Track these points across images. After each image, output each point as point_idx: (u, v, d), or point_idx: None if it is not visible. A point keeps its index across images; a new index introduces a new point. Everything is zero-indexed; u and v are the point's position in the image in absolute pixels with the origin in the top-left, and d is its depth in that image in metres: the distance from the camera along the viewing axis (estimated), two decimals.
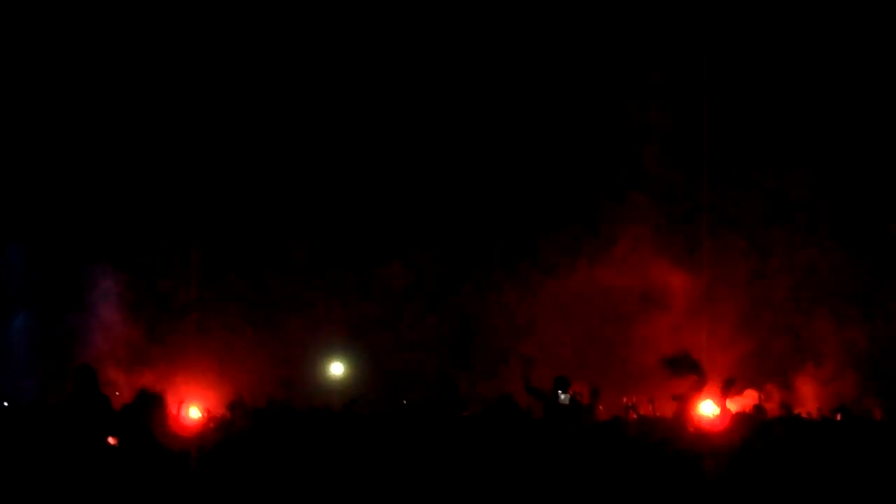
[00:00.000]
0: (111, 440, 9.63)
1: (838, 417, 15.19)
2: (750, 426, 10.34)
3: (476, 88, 25.31)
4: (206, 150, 24.94)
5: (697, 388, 11.21)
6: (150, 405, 10.51)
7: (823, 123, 23.51)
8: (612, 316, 24.09)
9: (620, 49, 24.27)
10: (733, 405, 12.90)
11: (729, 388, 11.50)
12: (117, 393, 19.43)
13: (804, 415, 16.88)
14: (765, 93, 24.04)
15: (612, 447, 9.38)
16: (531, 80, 25.10)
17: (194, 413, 19.52)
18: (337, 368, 26.03)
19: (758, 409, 16.47)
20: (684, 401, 10.73)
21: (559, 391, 11.71)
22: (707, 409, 13.74)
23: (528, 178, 25.27)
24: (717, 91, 23.96)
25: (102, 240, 24.63)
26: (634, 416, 16.33)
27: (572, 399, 12.47)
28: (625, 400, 20.08)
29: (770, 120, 23.97)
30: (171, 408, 18.33)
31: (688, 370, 11.42)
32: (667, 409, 14.69)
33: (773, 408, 18.24)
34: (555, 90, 24.92)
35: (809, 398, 21.51)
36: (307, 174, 25.58)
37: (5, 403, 19.40)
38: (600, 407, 15.77)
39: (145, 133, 25.01)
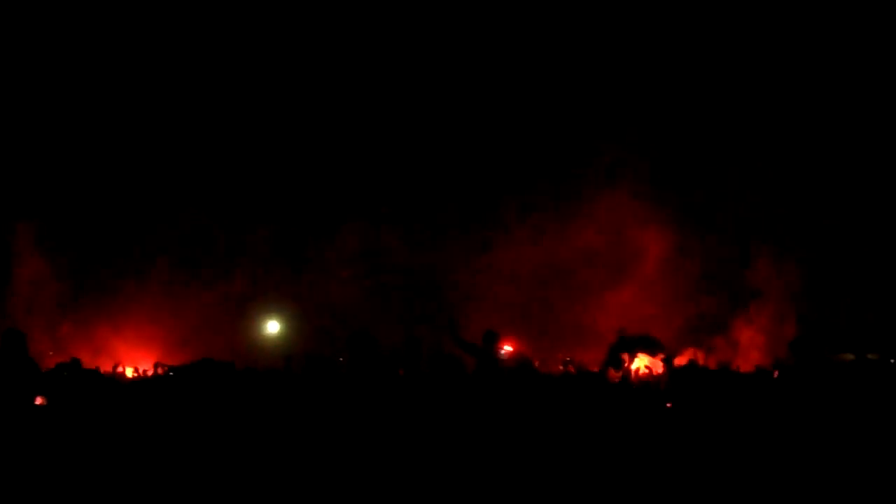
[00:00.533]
0: (39, 400, 9.67)
1: (776, 374, 15.51)
2: (680, 380, 10.59)
3: (434, 52, 25.13)
4: (137, 113, 24.67)
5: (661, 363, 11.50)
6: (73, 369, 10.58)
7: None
8: (562, 280, 24.34)
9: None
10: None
11: (670, 363, 11.69)
12: (51, 353, 19.53)
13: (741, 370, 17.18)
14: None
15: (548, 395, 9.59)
16: (493, 45, 25.02)
17: (129, 372, 19.79)
18: (273, 326, 25.97)
19: (691, 364, 16.86)
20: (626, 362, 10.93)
21: (493, 345, 11.77)
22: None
23: (480, 143, 25.29)
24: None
25: (33, 204, 24.19)
26: (571, 370, 16.67)
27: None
28: (560, 356, 20.49)
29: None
30: (107, 367, 18.59)
31: (650, 349, 11.64)
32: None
33: (712, 364, 18.60)
34: (516, 58, 24.90)
35: (753, 353, 21.92)
36: (243, 135, 25.35)
37: None
38: (535, 361, 16.04)
39: (72, 91, 24.58)
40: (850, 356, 16.26)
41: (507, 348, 14.77)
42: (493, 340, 11.14)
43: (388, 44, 25.06)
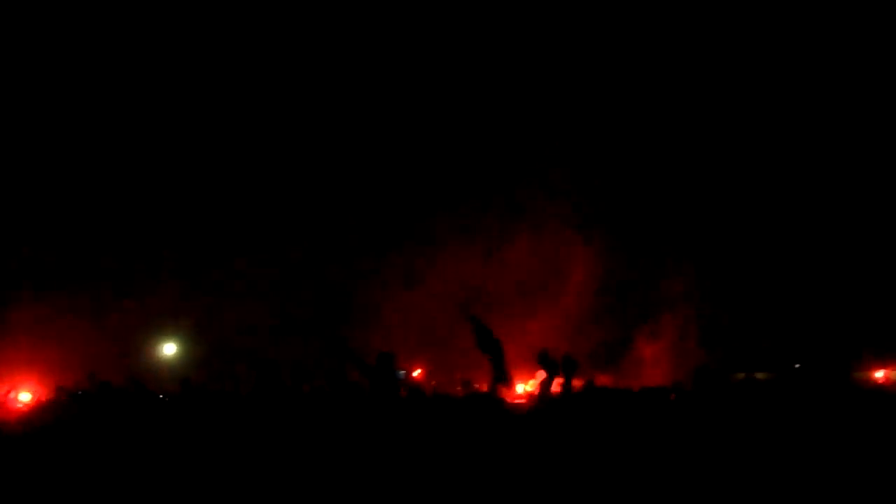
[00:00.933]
0: None
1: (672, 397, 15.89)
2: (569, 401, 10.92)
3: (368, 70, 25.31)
4: (34, 132, 24.21)
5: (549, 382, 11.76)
6: None
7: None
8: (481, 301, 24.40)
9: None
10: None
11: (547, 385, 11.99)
12: None
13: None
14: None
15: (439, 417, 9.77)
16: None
17: (25, 397, 19.25)
18: (169, 349, 25.71)
19: (588, 385, 17.24)
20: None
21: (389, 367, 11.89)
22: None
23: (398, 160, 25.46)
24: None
25: None
26: (463, 391, 16.90)
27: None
28: (458, 375, 20.66)
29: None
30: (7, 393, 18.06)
31: (545, 366, 11.90)
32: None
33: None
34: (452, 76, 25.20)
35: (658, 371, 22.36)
36: (140, 153, 25.05)
37: None
38: (432, 382, 16.21)
39: None
40: (743, 375, 16.91)
41: (417, 372, 14.86)
42: (388, 363, 11.24)
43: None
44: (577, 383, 16.16)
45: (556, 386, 13.73)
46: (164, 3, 24.56)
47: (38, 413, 14.71)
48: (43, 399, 18.36)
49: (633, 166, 24.70)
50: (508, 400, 11.22)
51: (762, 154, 24.75)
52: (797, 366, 21.65)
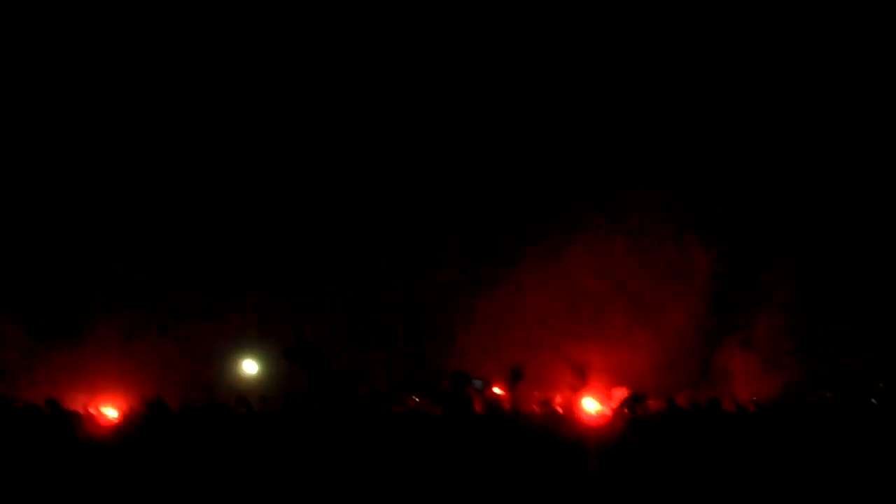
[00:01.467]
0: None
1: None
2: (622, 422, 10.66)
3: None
4: (101, 150, 24.71)
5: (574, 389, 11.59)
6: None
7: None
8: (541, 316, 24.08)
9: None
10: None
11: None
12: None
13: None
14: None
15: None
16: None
17: (110, 412, 19.38)
18: (250, 367, 25.85)
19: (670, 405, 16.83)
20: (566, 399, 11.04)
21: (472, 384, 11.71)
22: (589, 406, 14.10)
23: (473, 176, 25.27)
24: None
25: None
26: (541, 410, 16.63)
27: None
28: (537, 394, 20.36)
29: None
30: (85, 408, 18.25)
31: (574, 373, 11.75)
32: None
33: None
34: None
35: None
36: (219, 167, 25.36)
37: None
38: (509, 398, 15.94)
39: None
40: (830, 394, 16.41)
41: (496, 391, 14.64)
42: (462, 383, 11.03)
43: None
44: (653, 404, 15.86)
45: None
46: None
47: (124, 428, 14.84)
48: (128, 414, 18.52)
49: (733, 172, 24.21)
50: (585, 420, 11.01)
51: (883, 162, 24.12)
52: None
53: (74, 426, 12.92)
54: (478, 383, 13.18)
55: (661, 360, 21.60)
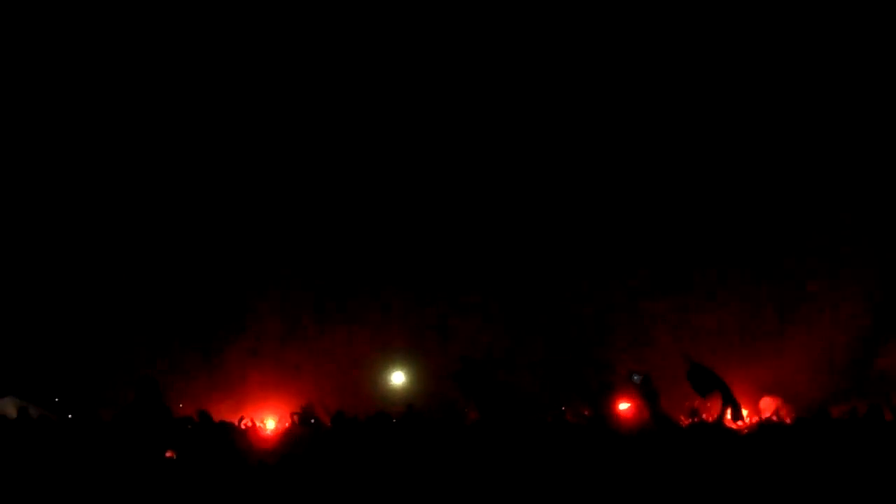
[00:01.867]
0: (169, 454, 9.85)
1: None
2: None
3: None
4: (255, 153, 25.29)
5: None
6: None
7: None
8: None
9: None
10: None
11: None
12: (180, 405, 19.70)
13: None
14: None
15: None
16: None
17: (270, 424, 19.75)
18: (398, 378, 26.02)
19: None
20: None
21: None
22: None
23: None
24: None
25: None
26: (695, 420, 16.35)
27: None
28: (686, 404, 19.97)
29: None
30: (245, 421, 18.62)
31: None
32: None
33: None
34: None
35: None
36: (366, 182, 25.65)
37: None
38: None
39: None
40: None
41: (625, 405, 14.44)
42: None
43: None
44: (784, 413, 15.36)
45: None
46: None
47: (284, 441, 15.07)
48: (286, 426, 18.86)
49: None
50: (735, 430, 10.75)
51: None
52: None
53: (229, 437, 13.17)
54: (637, 377, 13.01)
55: (816, 366, 20.81)
